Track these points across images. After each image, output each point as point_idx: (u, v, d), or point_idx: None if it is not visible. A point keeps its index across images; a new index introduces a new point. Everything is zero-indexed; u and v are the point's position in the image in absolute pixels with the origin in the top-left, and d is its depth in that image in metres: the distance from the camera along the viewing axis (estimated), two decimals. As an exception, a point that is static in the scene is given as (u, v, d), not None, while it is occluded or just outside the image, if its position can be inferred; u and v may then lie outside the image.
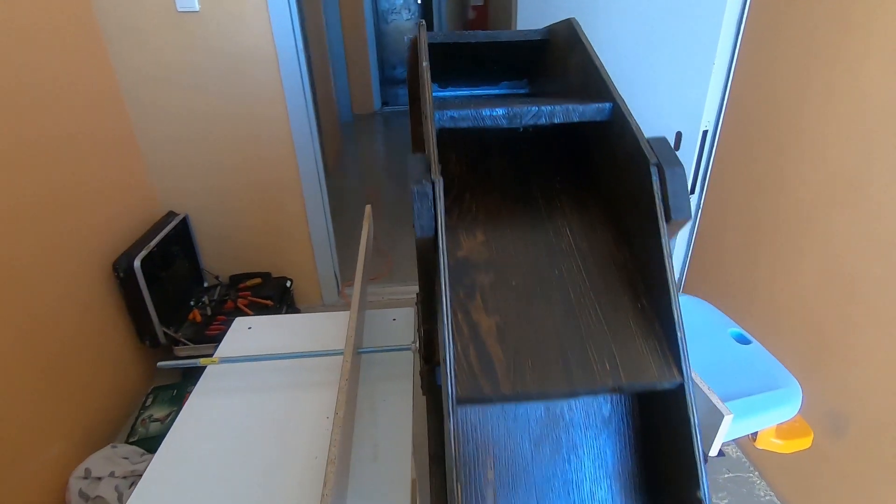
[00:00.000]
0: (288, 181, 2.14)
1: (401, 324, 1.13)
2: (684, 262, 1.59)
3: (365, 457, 0.80)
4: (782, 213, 1.30)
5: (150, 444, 1.63)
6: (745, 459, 1.61)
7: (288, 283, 2.26)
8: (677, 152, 1.43)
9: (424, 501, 1.18)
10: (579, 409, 0.51)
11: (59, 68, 1.58)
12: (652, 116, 1.50)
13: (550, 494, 0.48)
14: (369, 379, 0.97)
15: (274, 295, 2.13)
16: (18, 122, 1.42)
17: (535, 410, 0.50)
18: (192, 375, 1.89)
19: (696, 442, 0.41)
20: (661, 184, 0.46)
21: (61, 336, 1.53)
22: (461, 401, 0.42)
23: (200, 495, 0.75)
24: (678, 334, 0.44)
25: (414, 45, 0.68)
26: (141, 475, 0.81)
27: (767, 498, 1.48)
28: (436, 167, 0.46)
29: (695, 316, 1.15)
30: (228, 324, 1.17)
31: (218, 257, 2.25)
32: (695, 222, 1.52)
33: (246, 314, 1.98)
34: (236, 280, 2.24)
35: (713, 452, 0.80)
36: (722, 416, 0.76)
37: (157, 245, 1.86)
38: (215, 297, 2.12)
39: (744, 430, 0.92)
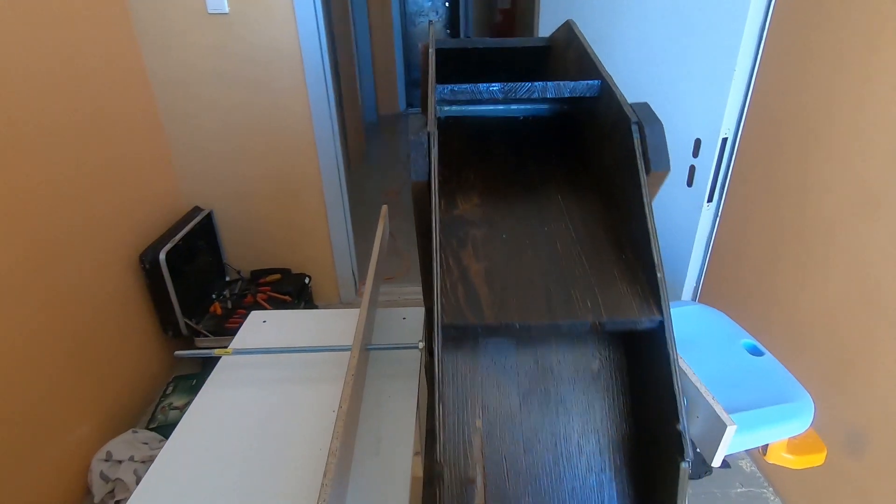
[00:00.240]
0: (309, 180, 2.18)
1: (410, 322, 1.15)
2: (700, 271, 1.57)
3: (367, 451, 0.82)
4: (806, 224, 1.28)
5: (169, 431, 1.67)
6: (759, 474, 1.58)
7: (306, 280, 2.30)
8: (696, 159, 1.42)
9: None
10: (568, 364, 0.52)
11: (95, 69, 1.66)
12: (671, 122, 1.49)
13: (538, 445, 0.50)
14: (377, 376, 0.99)
15: (292, 291, 2.17)
16: (58, 119, 1.49)
17: (524, 363, 0.52)
18: (210, 366, 1.93)
19: (675, 379, 0.43)
20: (641, 140, 0.50)
21: (89, 323, 1.60)
22: (447, 328, 0.45)
23: (208, 481, 0.78)
24: (658, 275, 0.46)
25: (425, 50, 0.70)
26: (155, 459, 0.84)
27: (781, 515, 1.45)
28: (432, 122, 0.51)
29: (706, 325, 1.13)
30: (246, 317, 1.20)
31: (240, 252, 2.31)
32: (712, 230, 1.50)
33: (265, 309, 2.02)
34: (257, 275, 2.29)
35: (716, 463, 0.79)
36: (725, 427, 0.75)
37: (183, 239, 1.92)
38: (236, 291, 2.17)
39: (751, 442, 0.91)
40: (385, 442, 0.84)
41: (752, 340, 1.09)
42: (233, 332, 1.14)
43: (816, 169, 1.23)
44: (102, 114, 1.69)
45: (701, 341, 1.10)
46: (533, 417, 0.51)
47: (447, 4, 6.34)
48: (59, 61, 1.51)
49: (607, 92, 0.57)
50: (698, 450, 0.83)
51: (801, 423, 0.94)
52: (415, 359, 1.02)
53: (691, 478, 0.88)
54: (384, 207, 1.31)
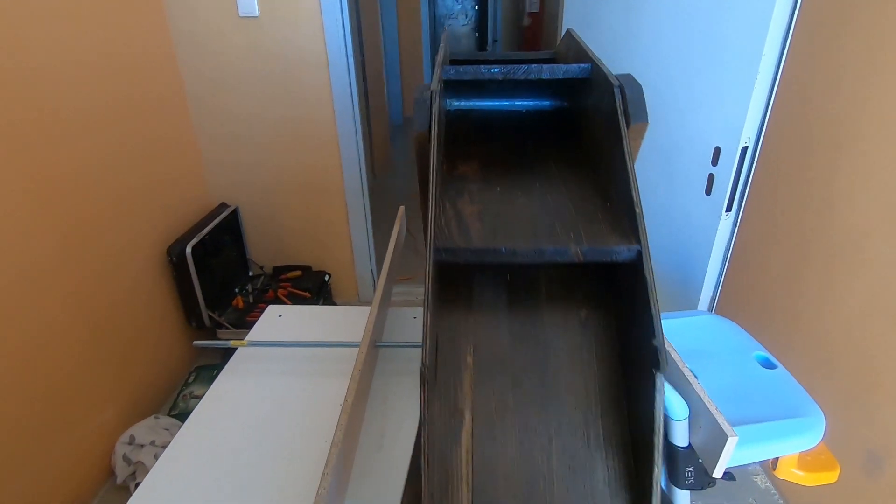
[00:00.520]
0: (332, 180, 2.23)
1: (421, 321, 1.17)
2: (718, 281, 1.55)
3: (371, 445, 0.84)
4: (831, 237, 1.25)
5: (189, 418, 1.74)
6: (773, 490, 1.55)
7: (326, 278, 2.35)
8: (715, 167, 1.40)
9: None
10: (558, 314, 0.57)
11: (131, 68, 1.73)
12: (691, 130, 1.47)
13: (526, 382, 0.53)
14: (385, 372, 1.01)
15: (312, 287, 2.22)
16: (94, 116, 1.56)
17: (516, 313, 0.57)
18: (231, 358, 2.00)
19: (653, 301, 0.46)
20: (622, 100, 0.55)
21: (116, 312, 1.67)
22: (438, 251, 0.50)
23: (217, 467, 0.81)
24: (636, 210, 0.50)
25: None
26: (170, 443, 0.88)
27: (795, 533, 1.42)
28: (437, 81, 0.58)
29: (719, 336, 1.12)
30: (264, 311, 1.24)
31: (263, 248, 2.38)
32: (730, 240, 1.48)
33: (285, 304, 2.08)
34: (279, 271, 2.35)
35: (717, 474, 0.79)
36: (726, 438, 0.74)
37: (209, 234, 1.98)
38: (258, 286, 2.24)
39: (757, 456, 0.90)
40: (388, 437, 0.86)
41: (764, 353, 1.07)
42: (253, 326, 1.18)
43: (843, 179, 1.20)
44: (136, 112, 1.76)
45: (712, 351, 1.09)
46: (523, 357, 0.55)
47: (476, 8, 6.37)
48: (96, 58, 1.58)
49: (597, 71, 0.63)
50: (700, 460, 0.83)
51: (810, 438, 0.92)
52: (423, 357, 1.04)
53: (693, 488, 0.88)
54: (401, 208, 1.33)
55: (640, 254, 0.49)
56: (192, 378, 1.92)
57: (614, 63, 1.71)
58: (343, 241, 2.38)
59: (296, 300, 2.15)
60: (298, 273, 2.33)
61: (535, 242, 0.50)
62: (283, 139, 2.15)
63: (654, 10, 1.54)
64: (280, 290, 2.18)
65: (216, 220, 2.06)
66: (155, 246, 1.85)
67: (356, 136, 2.14)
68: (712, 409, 0.79)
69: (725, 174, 1.36)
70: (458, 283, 0.62)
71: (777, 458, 0.99)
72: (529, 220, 0.54)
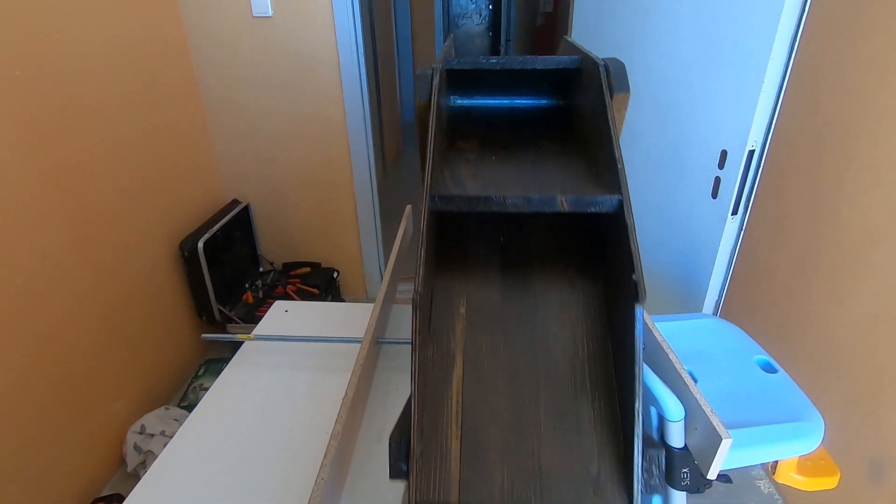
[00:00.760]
0: (342, 179, 2.26)
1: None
2: (723, 285, 1.54)
3: (371, 439, 0.86)
4: (838, 241, 1.24)
5: (199, 410, 1.78)
6: (777, 496, 1.54)
7: (335, 275, 2.38)
8: (721, 170, 1.40)
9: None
10: (548, 274, 0.62)
11: (149, 68, 1.77)
12: (698, 133, 1.47)
13: (515, 331, 0.57)
14: (387, 368, 1.03)
15: (321, 284, 2.25)
16: (111, 114, 1.60)
17: (508, 271, 0.62)
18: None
19: (632, 241, 0.49)
20: (606, 75, 0.61)
21: (129, 304, 1.71)
22: (434, 199, 0.54)
23: (220, 457, 0.84)
24: (618, 166, 0.54)
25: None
26: (178, 432, 0.91)
27: (797, 539, 1.41)
28: (439, 60, 0.64)
29: (720, 339, 1.12)
30: (273, 307, 1.27)
31: (273, 245, 2.41)
32: (736, 244, 1.47)
33: (293, 300, 2.11)
34: (288, 267, 2.39)
35: (711, 475, 0.79)
36: (720, 439, 0.75)
37: (220, 229, 2.02)
38: (268, 282, 2.27)
39: (753, 458, 0.90)
40: (388, 431, 0.87)
41: (766, 357, 1.07)
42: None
43: (851, 183, 1.20)
44: (151, 111, 1.80)
45: (713, 354, 1.09)
46: (514, 309, 0.59)
47: (490, 7, 6.36)
48: (113, 55, 1.62)
49: (585, 59, 0.69)
50: (696, 462, 0.84)
51: (809, 443, 0.92)
52: (424, 354, 1.05)
53: (689, 490, 0.89)
54: (408, 207, 1.35)
55: (621, 203, 0.52)
56: (201, 371, 1.96)
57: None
58: (352, 239, 2.41)
59: (304, 296, 2.18)
60: (308, 270, 2.36)
61: (525, 191, 0.55)
62: (294, 138, 2.18)
63: (662, 14, 1.54)
64: (289, 286, 2.21)
65: (228, 216, 2.10)
66: (168, 241, 1.89)
67: (366, 135, 2.16)
68: (707, 410, 0.80)
69: (732, 177, 1.35)
70: (453, 248, 0.68)
71: (776, 462, 0.99)
72: (520, 179, 0.60)
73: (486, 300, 0.60)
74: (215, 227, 1.99)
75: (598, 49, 1.80)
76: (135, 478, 1.61)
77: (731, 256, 1.49)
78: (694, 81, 1.45)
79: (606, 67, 0.63)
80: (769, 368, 1.06)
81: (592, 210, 0.54)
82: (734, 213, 1.39)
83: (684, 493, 0.88)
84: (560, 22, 5.05)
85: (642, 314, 0.45)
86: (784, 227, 1.38)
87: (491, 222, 0.73)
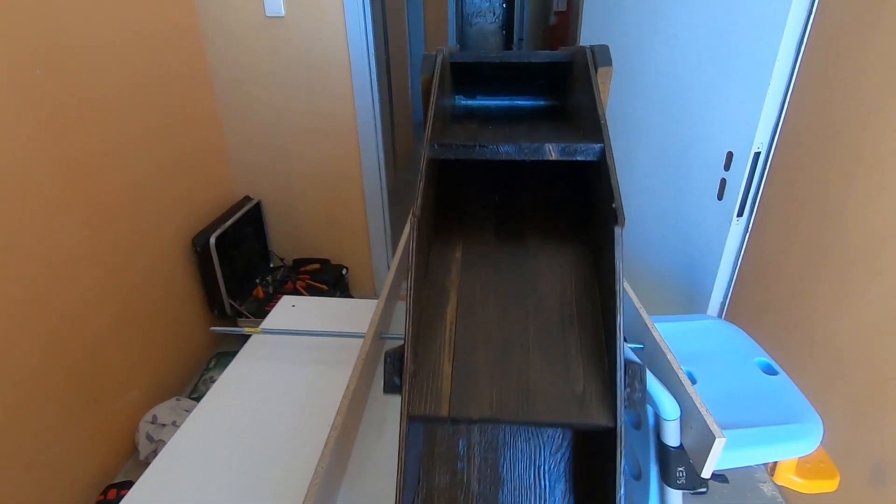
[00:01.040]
0: (351, 176, 2.28)
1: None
2: (728, 287, 1.54)
3: (372, 431, 0.88)
4: (846, 245, 1.23)
5: (209, 402, 1.82)
6: (779, 498, 1.54)
7: (343, 271, 2.41)
8: (727, 172, 1.40)
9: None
10: (540, 228, 0.67)
11: (165, 66, 1.81)
12: (703, 134, 1.47)
13: (508, 273, 0.62)
14: (390, 363, 1.05)
15: (330, 280, 2.28)
16: (128, 110, 1.65)
17: (502, 225, 0.68)
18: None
19: (613, 179, 0.52)
20: (592, 54, 0.67)
21: (142, 298, 1.76)
22: (433, 146, 0.58)
23: (226, 446, 0.87)
24: (600, 121, 0.58)
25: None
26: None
27: (800, 542, 1.41)
28: (442, 54, 0.70)
29: (722, 340, 1.13)
30: (284, 302, 1.30)
31: (284, 241, 2.45)
32: (741, 246, 1.47)
33: (303, 295, 2.14)
34: (298, 263, 2.42)
35: (705, 474, 0.80)
36: (714, 439, 0.76)
37: (232, 225, 2.06)
38: (278, 277, 2.31)
39: (749, 459, 0.91)
40: (389, 424, 0.90)
41: (766, 359, 1.08)
42: (269, 315, 1.24)
43: (859, 186, 1.19)
44: (166, 107, 1.84)
45: (714, 355, 1.09)
46: (506, 256, 0.63)
47: (504, 6, 6.36)
48: (128, 54, 1.66)
49: (576, 52, 0.73)
50: (691, 461, 0.85)
51: (807, 444, 0.92)
52: (427, 351, 1.07)
53: (685, 488, 0.90)
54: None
55: (603, 150, 0.56)
56: (212, 363, 2.00)
57: (628, 66, 1.71)
58: (361, 237, 2.44)
59: (313, 292, 2.21)
60: (317, 266, 2.40)
61: (515, 142, 0.59)
62: (305, 136, 2.21)
63: (668, 16, 1.54)
64: (299, 283, 2.25)
65: (240, 213, 2.14)
66: (180, 236, 1.94)
67: (376, 134, 2.19)
68: (702, 409, 0.81)
69: (737, 179, 1.35)
70: (449, 208, 0.73)
71: (776, 464, 0.99)
72: (513, 134, 0.65)
73: (481, 248, 0.65)
74: (227, 223, 2.03)
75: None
76: (147, 466, 1.65)
77: (736, 258, 1.48)
78: (700, 82, 1.45)
79: (592, 48, 0.68)
80: (769, 370, 1.06)
81: (579, 158, 0.57)
82: (740, 214, 1.38)
83: (680, 492, 0.89)
84: (573, 22, 5.03)
85: (621, 235, 0.48)
86: (790, 229, 1.37)
87: (487, 181, 0.78)
